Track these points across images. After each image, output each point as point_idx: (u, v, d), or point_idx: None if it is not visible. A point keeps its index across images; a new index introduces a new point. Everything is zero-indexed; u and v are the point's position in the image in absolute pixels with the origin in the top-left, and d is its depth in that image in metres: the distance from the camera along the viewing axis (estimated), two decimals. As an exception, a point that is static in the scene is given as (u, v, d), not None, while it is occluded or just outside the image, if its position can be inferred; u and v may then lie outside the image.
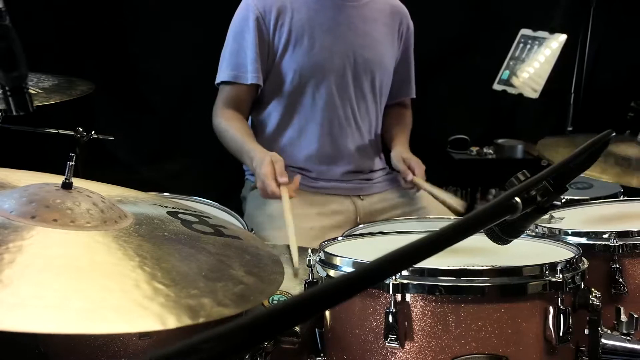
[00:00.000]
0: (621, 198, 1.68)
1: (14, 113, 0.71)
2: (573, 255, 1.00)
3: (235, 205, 1.61)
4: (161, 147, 2.67)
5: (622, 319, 1.02)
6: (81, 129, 1.92)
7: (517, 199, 0.73)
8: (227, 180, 2.46)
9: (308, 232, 1.68)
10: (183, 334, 1.04)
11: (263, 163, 1.53)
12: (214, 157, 2.45)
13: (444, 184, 2.75)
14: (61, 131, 1.94)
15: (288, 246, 1.40)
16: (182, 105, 2.63)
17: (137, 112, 2.61)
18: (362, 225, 1.59)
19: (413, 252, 0.61)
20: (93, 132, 1.94)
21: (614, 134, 0.76)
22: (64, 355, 1.07)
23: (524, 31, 2.68)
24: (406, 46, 1.90)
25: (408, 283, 0.91)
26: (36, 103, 1.54)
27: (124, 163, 2.57)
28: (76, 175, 1.03)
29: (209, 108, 1.82)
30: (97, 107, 2.45)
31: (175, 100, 2.64)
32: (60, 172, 1.10)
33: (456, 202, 1.72)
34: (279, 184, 1.50)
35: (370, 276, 0.60)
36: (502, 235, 0.83)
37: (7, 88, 0.69)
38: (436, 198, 1.75)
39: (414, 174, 1.75)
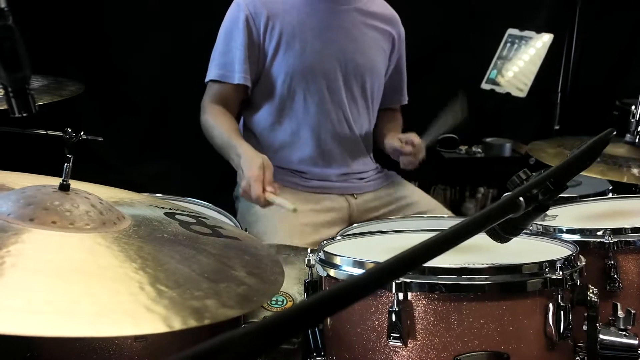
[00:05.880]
0: (611, 195, 1.71)
1: (17, 114, 0.70)
2: (571, 252, 1.02)
3: (224, 204, 1.59)
4: (146, 148, 2.64)
5: (619, 315, 1.03)
6: (70, 130, 1.89)
7: (521, 198, 0.74)
8: (213, 181, 2.45)
9: (302, 228, 1.68)
10: (178, 337, 1.04)
11: (253, 166, 1.48)
12: (200, 158, 2.44)
13: (434, 182, 2.77)
14: (50, 132, 1.91)
15: (284, 246, 1.40)
16: (167, 106, 2.61)
17: (121, 112, 2.58)
18: (355, 225, 1.59)
19: (423, 252, 0.62)
20: (82, 133, 1.91)
21: (614, 132, 0.77)
22: (56, 358, 1.06)
23: (511, 30, 2.70)
24: (399, 54, 1.91)
25: (410, 282, 0.91)
26: (25, 104, 1.52)
27: (109, 164, 2.54)
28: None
29: (195, 108, 1.81)
30: (82, 108, 2.42)
31: (160, 101, 2.61)
32: (49, 173, 1.09)
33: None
34: (264, 191, 1.45)
35: (382, 277, 0.60)
36: (503, 234, 0.84)
37: (9, 89, 0.68)
38: (437, 134, 1.76)
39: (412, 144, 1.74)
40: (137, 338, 1.08)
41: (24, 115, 0.70)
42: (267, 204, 1.45)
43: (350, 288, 0.56)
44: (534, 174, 0.84)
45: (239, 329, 0.47)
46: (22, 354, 1.03)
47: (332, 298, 0.54)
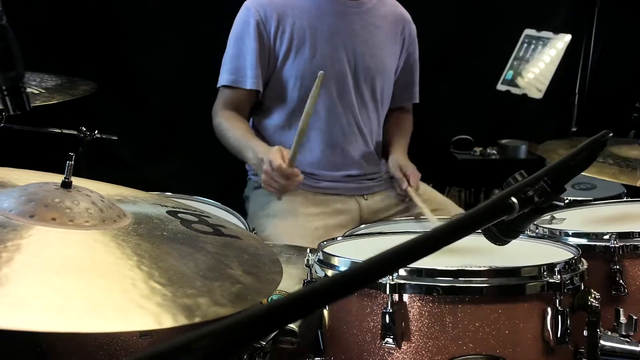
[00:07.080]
0: (624, 199, 1.67)
1: (12, 112, 0.72)
2: (572, 256, 1.00)
3: (235, 205, 1.60)
4: (161, 147, 2.67)
5: (621, 321, 1.01)
6: (84, 129, 1.92)
7: (514, 199, 0.73)
8: (226, 180, 2.46)
9: (313, 232, 1.68)
10: (184, 333, 1.05)
11: (271, 150, 1.55)
12: (214, 157, 2.46)
13: (448, 184, 2.74)
14: (64, 131, 1.94)
15: (288, 246, 1.40)
16: (181, 105, 2.64)
17: (136, 111, 2.61)
18: (363, 226, 1.59)
19: (408, 251, 0.61)
20: (96, 131, 1.94)
21: (611, 134, 0.75)
22: (65, 353, 1.08)
23: (528, 31, 2.67)
24: (409, 53, 1.89)
25: (405, 283, 0.91)
26: (38, 103, 1.55)
27: (124, 163, 2.58)
28: (80, 174, 1.04)
29: (209, 108, 1.82)
30: (97, 106, 2.45)
31: (174, 100, 2.64)
32: (63, 171, 1.11)
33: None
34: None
35: (366, 274, 0.60)
36: (500, 236, 0.83)
37: (4, 87, 0.70)
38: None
39: (409, 182, 1.74)
40: (142, 335, 1.09)
41: (19, 113, 0.71)
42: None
43: (330, 286, 0.56)
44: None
45: (224, 321, 0.48)
46: (34, 349, 1.05)
47: (317, 292, 0.54)
